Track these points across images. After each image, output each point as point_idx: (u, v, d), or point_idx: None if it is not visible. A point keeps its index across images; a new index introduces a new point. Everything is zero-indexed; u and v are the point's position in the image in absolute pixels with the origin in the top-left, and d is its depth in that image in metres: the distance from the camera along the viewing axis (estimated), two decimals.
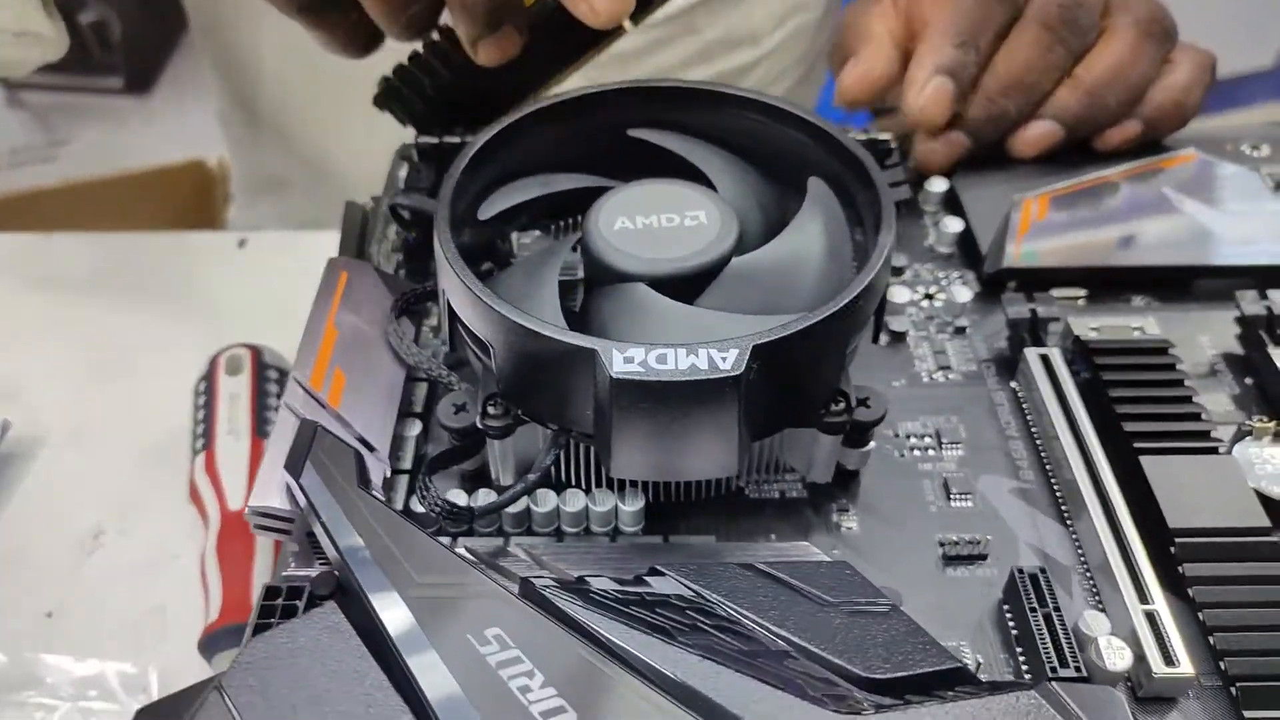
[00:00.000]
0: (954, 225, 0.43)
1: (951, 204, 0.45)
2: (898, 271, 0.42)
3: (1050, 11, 0.43)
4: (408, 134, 0.43)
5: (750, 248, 0.33)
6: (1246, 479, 0.32)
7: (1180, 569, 0.30)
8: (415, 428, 0.35)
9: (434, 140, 0.41)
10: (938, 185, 0.44)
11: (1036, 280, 0.41)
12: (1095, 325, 0.37)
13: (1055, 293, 0.41)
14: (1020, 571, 0.30)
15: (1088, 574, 0.31)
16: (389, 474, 0.32)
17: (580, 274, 0.34)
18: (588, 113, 0.36)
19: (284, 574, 0.30)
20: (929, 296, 0.41)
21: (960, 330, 0.40)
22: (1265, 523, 0.30)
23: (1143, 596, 0.29)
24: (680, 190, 0.33)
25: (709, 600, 0.25)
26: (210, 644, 0.39)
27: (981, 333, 0.40)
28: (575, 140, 0.37)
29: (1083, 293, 0.41)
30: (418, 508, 0.32)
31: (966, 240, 0.43)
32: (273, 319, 0.57)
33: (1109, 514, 0.32)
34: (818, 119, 0.35)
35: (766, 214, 0.35)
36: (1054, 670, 0.27)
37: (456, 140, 0.40)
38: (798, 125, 0.35)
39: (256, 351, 0.49)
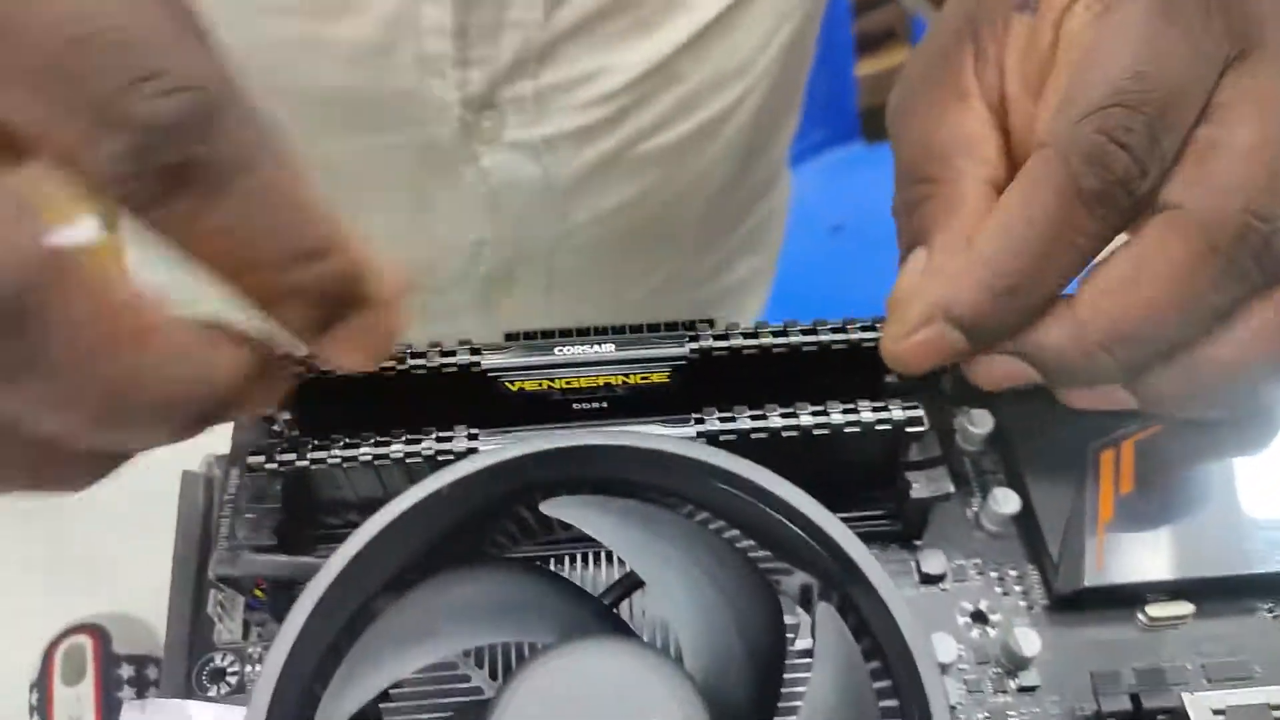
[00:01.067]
0: (1008, 503, 0.31)
1: (999, 449, 0.33)
2: (933, 579, 0.31)
3: (1225, 223, 0.24)
4: None
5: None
6: None
7: None
8: None
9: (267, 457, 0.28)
10: (980, 423, 0.33)
11: (1126, 596, 0.30)
12: (1219, 705, 0.26)
13: (1154, 610, 0.30)
14: None
15: None
16: None
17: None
18: (480, 490, 0.24)
19: None
20: (979, 618, 0.30)
21: (1029, 689, 0.29)
22: None
23: None
24: (624, 668, 0.22)
25: None
26: None
27: (1055, 686, 0.29)
28: (464, 529, 0.25)
29: (1189, 610, 0.30)
30: None
31: (1026, 518, 0.31)
32: (134, 528, 0.46)
33: None
34: (828, 524, 0.23)
35: (752, 649, 0.23)
36: None
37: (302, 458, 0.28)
38: (799, 522, 0.23)
39: (101, 638, 0.38)
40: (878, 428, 0.28)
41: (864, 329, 0.30)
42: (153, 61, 0.19)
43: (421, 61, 0.45)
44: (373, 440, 0.29)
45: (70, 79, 0.18)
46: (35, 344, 0.18)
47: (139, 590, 0.40)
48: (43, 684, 0.38)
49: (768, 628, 0.24)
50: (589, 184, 0.51)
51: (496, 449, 0.24)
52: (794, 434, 0.28)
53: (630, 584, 0.27)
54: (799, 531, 0.24)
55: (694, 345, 0.30)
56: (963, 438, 0.33)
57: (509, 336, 0.32)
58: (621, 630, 0.24)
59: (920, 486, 0.29)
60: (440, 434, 0.29)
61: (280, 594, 0.30)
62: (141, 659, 0.38)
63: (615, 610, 0.26)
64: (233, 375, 0.23)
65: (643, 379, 0.30)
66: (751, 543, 0.27)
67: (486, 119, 0.48)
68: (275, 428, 0.32)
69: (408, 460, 0.28)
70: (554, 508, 0.25)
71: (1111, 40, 0.26)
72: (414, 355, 0.29)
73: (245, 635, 0.30)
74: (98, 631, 0.38)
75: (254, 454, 0.29)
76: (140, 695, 0.37)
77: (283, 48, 0.44)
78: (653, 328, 0.32)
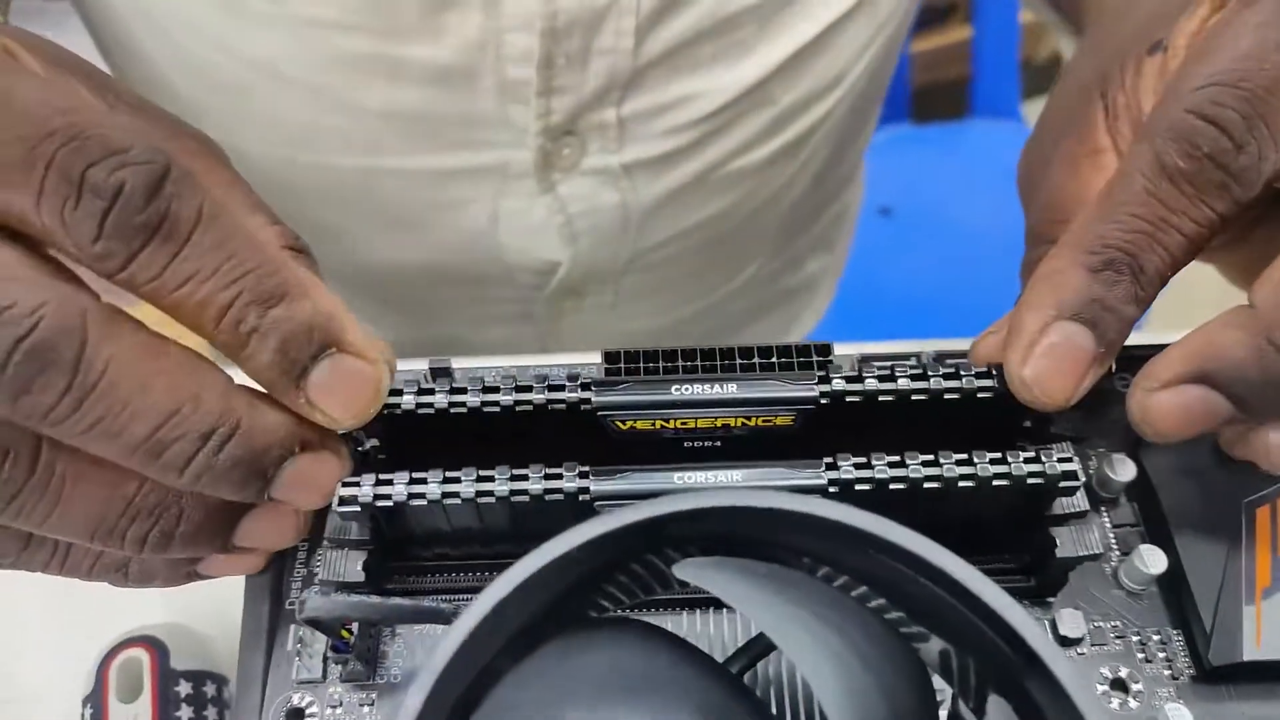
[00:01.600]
0: (1155, 563, 0.28)
1: (1141, 499, 0.30)
2: (1070, 643, 0.28)
3: None
4: None
5: None
6: None
7: None
8: None
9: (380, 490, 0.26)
10: (1121, 471, 0.30)
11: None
12: None
13: None
14: None
15: None
16: None
17: None
18: (609, 549, 0.22)
19: None
20: (1119, 686, 0.28)
21: None
22: None
23: None
24: None
25: None
26: None
27: None
28: (581, 586, 0.23)
29: None
30: None
31: (1172, 579, 0.29)
32: None
33: None
34: (1013, 615, 0.20)
35: None
36: None
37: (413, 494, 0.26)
38: (970, 605, 0.21)
39: (158, 652, 0.36)
40: (1029, 481, 0.26)
41: None
42: (110, 143, 0.21)
43: (503, 88, 0.42)
44: (475, 475, 0.26)
45: (45, 169, 0.21)
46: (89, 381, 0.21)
47: (195, 601, 0.38)
48: (97, 700, 0.36)
49: (920, 709, 0.22)
50: (667, 207, 0.49)
51: (633, 508, 0.21)
52: (936, 485, 0.26)
53: (757, 651, 0.24)
54: (967, 612, 0.21)
55: (824, 388, 0.27)
56: (1100, 485, 0.30)
57: (609, 358, 0.30)
58: (761, 713, 0.22)
59: (1066, 545, 0.27)
60: (549, 470, 0.26)
61: (368, 634, 0.28)
62: (199, 675, 0.36)
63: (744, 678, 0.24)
64: (273, 429, 0.24)
65: (765, 421, 0.27)
66: (883, 601, 0.25)
67: (566, 146, 0.45)
68: (360, 449, 0.29)
69: (513, 498, 0.26)
70: (688, 572, 0.22)
71: (1220, 38, 0.25)
72: (519, 389, 0.27)
73: (324, 675, 0.28)
74: (154, 645, 0.36)
75: (346, 484, 0.26)
76: (198, 714, 0.35)
77: (354, 65, 0.42)
78: (764, 351, 0.30)
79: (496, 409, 0.27)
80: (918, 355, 0.31)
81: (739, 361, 0.30)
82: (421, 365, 0.32)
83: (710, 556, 0.23)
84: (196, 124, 0.47)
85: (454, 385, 0.27)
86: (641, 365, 0.30)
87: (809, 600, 0.22)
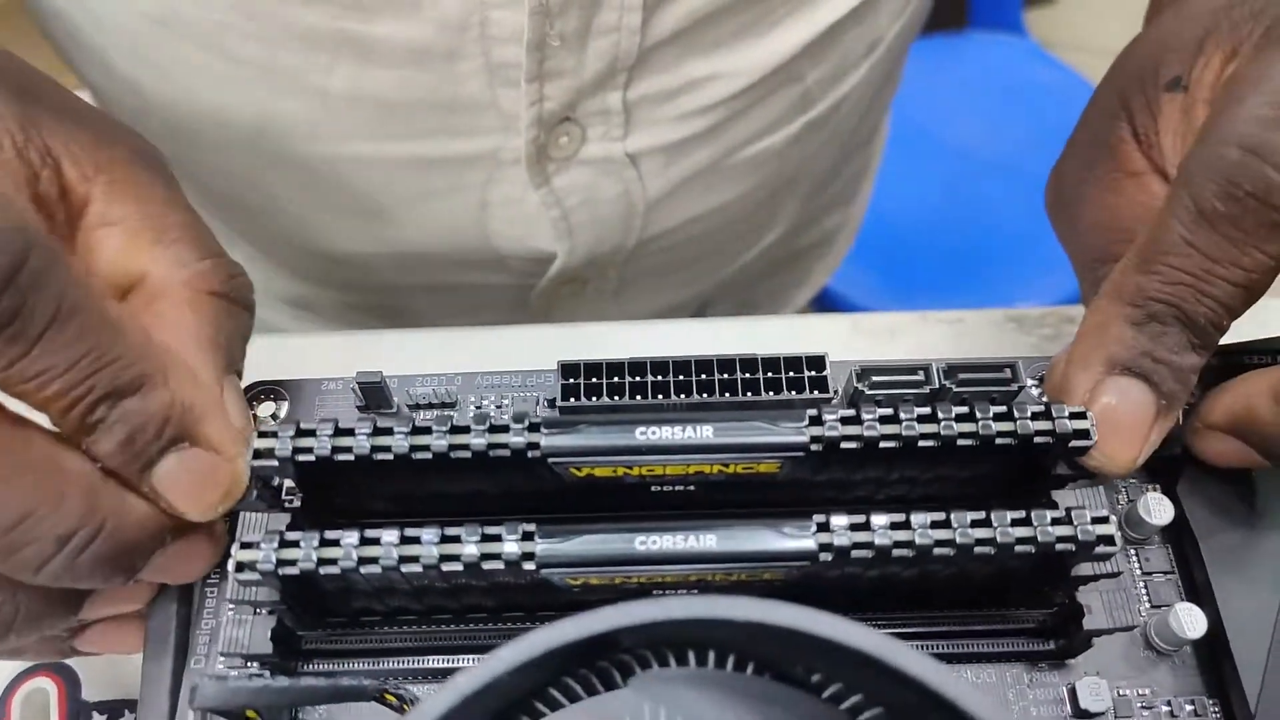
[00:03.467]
0: (1193, 625, 0.25)
1: (1176, 545, 0.26)
2: (1091, 716, 0.25)
3: None
4: None
5: None
6: None
7: None
8: None
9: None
10: (1156, 513, 0.26)
11: None
12: None
13: None
14: None
15: None
16: None
17: None
18: (561, 658, 0.18)
19: None
20: None
21: None
22: None
23: None
24: None
25: None
26: None
27: None
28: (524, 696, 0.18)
29: None
30: None
31: (1211, 641, 0.25)
32: None
33: None
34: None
35: None
36: None
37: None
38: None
39: (66, 681, 0.32)
40: (1058, 548, 0.22)
41: (1036, 416, 0.23)
42: None
43: (490, 71, 0.37)
44: (398, 536, 0.22)
45: None
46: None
47: None
48: None
49: None
50: (677, 195, 0.43)
51: (575, 620, 0.17)
52: (947, 550, 0.22)
53: None
54: None
55: (816, 431, 0.23)
56: (1130, 524, 0.26)
57: (566, 371, 0.25)
58: None
59: (1097, 615, 0.23)
60: (486, 531, 0.22)
61: (278, 715, 0.24)
62: (115, 706, 0.33)
63: None
64: (142, 524, 0.22)
65: (746, 469, 0.23)
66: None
67: (563, 134, 0.39)
68: (276, 489, 0.25)
69: (443, 565, 0.22)
70: (652, 688, 0.18)
71: (1249, 78, 0.23)
72: (454, 430, 0.22)
73: None
74: (62, 673, 0.33)
75: (245, 546, 0.22)
76: None
77: (314, 43, 0.36)
78: (747, 365, 0.26)
79: (427, 455, 0.23)
80: (925, 371, 0.27)
81: (718, 377, 0.26)
82: (349, 372, 0.28)
83: (682, 667, 0.19)
84: (125, 104, 0.41)
85: (377, 425, 0.23)
86: (604, 382, 0.26)
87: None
